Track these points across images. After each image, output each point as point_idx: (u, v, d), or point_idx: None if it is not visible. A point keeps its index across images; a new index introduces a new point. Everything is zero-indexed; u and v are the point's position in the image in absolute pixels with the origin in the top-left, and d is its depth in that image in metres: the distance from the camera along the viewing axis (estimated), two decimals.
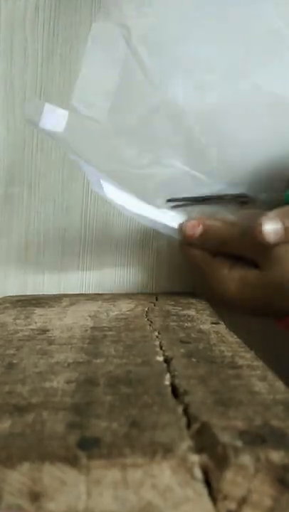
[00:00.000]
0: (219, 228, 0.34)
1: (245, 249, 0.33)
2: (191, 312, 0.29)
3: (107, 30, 0.32)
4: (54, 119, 0.31)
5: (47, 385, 0.17)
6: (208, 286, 0.34)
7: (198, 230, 0.34)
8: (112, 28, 0.32)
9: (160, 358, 0.20)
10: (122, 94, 0.33)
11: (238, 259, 0.33)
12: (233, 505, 0.12)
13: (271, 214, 0.31)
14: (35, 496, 0.12)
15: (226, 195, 0.36)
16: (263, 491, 0.12)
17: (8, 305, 0.33)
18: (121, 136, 0.34)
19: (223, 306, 0.34)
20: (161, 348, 0.21)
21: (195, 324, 0.26)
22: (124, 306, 0.32)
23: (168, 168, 0.35)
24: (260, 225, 0.30)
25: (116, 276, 0.39)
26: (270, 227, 0.30)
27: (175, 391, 0.16)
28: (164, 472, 0.12)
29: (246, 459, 0.12)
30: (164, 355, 0.20)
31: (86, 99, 0.33)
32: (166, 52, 0.33)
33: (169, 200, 0.36)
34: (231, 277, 0.33)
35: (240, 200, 0.37)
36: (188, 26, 0.33)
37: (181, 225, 0.34)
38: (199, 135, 0.34)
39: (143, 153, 0.34)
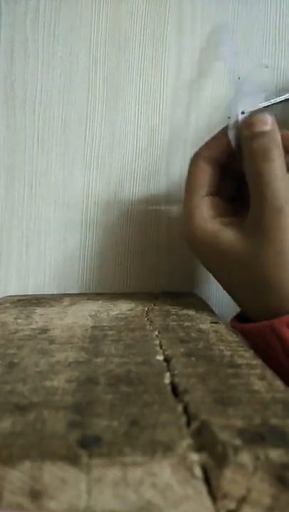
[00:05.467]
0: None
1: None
2: (191, 312, 0.29)
3: None
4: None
5: (48, 384, 0.17)
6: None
7: (267, 126, 0.27)
8: None
9: (160, 357, 0.20)
10: None
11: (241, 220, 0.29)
12: (232, 504, 0.12)
13: None
14: (35, 495, 0.12)
15: None
16: (262, 490, 0.12)
17: (9, 305, 0.33)
18: None
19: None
20: (161, 347, 0.21)
21: (194, 324, 0.26)
22: (125, 306, 0.32)
23: None
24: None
25: (116, 276, 0.39)
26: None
27: (175, 390, 0.16)
28: (164, 470, 0.12)
29: (245, 457, 0.12)
30: (163, 354, 0.20)
31: None
32: None
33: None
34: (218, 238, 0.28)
35: None
36: None
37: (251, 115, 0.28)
38: None
39: None
